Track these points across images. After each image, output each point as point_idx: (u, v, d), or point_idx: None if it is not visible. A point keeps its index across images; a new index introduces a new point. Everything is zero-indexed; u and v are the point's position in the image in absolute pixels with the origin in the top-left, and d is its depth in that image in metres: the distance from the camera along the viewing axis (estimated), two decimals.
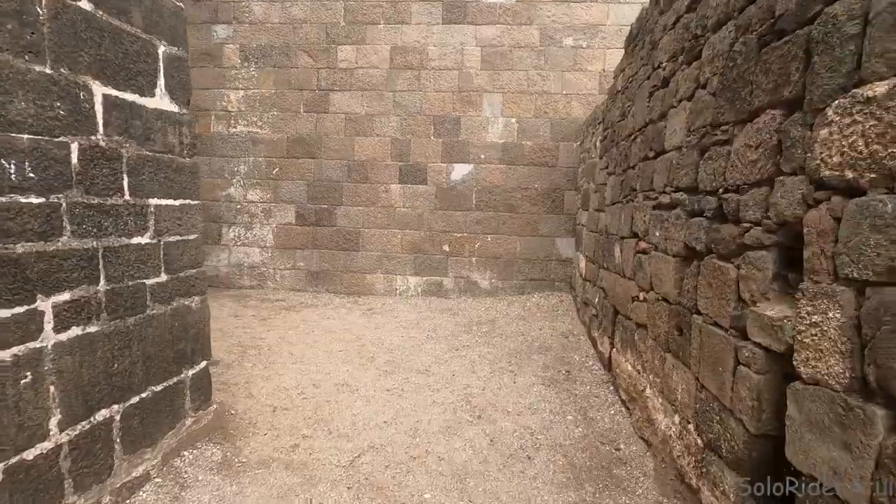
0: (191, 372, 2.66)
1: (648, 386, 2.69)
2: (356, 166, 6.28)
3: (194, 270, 2.68)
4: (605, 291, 3.89)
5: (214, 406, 2.89)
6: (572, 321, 5.16)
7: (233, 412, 3.13)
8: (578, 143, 5.97)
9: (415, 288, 6.29)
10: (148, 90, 2.33)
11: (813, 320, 1.28)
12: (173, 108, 2.49)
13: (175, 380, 2.54)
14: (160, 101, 2.40)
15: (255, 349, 4.28)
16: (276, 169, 6.38)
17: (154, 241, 2.37)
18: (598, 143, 4.71)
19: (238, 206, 6.43)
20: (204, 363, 2.79)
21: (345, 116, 6.26)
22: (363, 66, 6.18)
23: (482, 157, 6.12)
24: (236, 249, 6.47)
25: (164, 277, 2.44)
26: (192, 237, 2.65)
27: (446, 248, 6.23)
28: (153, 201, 2.36)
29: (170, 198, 2.48)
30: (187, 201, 2.61)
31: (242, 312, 5.45)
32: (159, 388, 2.42)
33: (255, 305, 5.76)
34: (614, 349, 3.50)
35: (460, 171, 6.17)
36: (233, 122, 6.36)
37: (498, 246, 6.16)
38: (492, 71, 6.03)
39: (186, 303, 2.62)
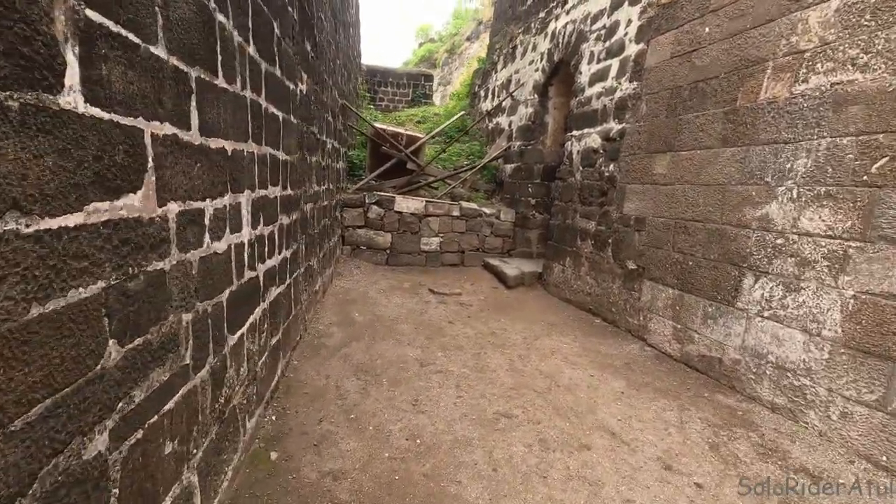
0: None
1: None
2: None
3: None
4: None
5: None
6: None
7: None
8: None
9: None
10: None
11: None
12: None
13: None
14: None
15: None
16: (881, 161, 2.63)
17: None
18: None
19: (778, 241, 3.21)
20: None
21: None
22: None
23: None
24: (759, 323, 3.31)
25: None
26: None
27: None
28: None
29: None
30: None
31: (671, 478, 2.59)
32: None
33: (716, 471, 2.64)
34: None
35: None
36: (803, 71, 3.13)
37: None
38: None
39: None
